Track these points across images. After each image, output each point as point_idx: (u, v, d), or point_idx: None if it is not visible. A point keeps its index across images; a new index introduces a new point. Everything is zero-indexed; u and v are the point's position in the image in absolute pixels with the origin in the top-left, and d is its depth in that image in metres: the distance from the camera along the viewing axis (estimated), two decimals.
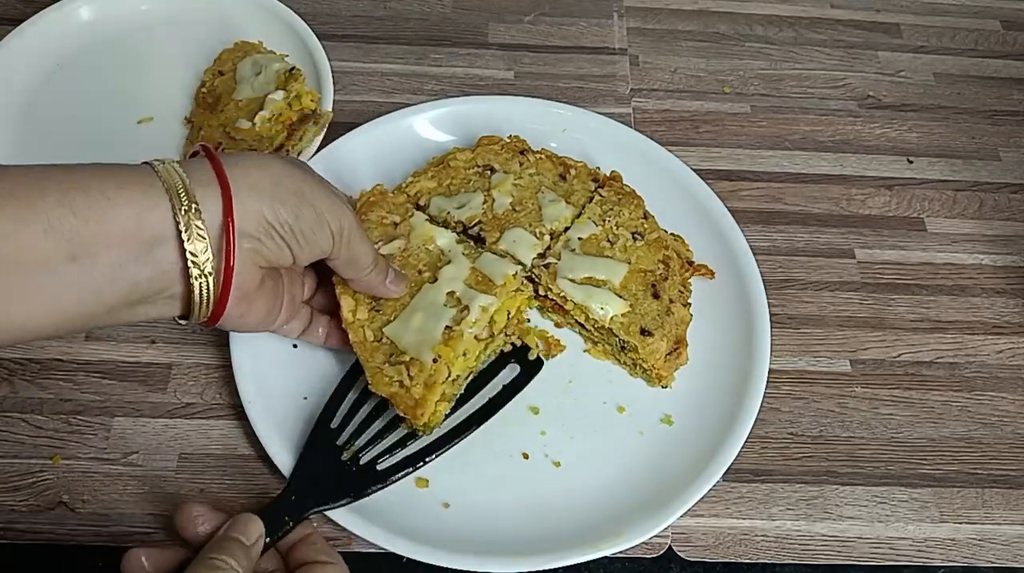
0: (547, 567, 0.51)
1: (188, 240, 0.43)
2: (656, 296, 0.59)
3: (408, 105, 0.70)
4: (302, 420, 0.56)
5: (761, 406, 0.57)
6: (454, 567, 0.51)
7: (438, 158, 0.65)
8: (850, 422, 0.61)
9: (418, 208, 0.62)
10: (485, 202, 0.62)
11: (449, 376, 0.54)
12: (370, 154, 0.67)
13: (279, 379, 0.57)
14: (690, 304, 0.61)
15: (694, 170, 0.68)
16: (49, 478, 0.55)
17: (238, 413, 0.57)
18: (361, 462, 0.53)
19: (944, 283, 0.68)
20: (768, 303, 0.62)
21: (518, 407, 0.58)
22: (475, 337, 0.55)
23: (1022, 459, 0.60)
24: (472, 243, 0.60)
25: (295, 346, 0.59)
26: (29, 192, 0.40)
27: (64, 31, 0.73)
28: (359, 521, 0.52)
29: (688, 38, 0.82)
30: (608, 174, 0.65)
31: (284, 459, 0.54)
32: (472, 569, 0.51)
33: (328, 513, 0.51)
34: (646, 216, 0.63)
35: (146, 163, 0.44)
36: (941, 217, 0.72)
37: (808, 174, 0.73)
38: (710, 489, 0.54)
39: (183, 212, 0.43)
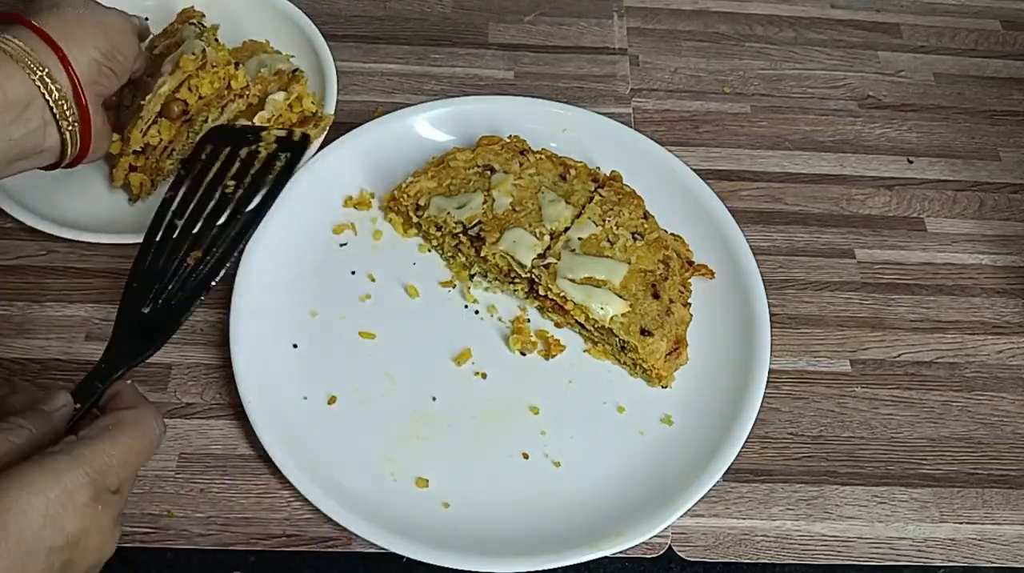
0: (547, 567, 0.51)
1: (50, 97, 0.53)
2: (656, 296, 0.59)
3: (408, 105, 0.69)
4: (302, 420, 0.56)
5: (761, 406, 0.57)
6: (454, 567, 0.51)
7: (438, 158, 0.65)
8: (850, 422, 0.61)
9: (417, 208, 0.62)
10: (485, 202, 0.62)
11: (142, 150, 0.62)
12: (370, 154, 0.67)
13: (279, 379, 0.57)
14: (690, 304, 0.61)
15: (694, 170, 0.68)
16: None
17: (238, 413, 0.57)
18: (159, 307, 0.52)
19: (944, 283, 0.68)
20: (768, 303, 0.62)
21: (518, 407, 0.58)
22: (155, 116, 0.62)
23: (1022, 459, 0.60)
24: None
25: (295, 346, 0.59)
26: None
27: None
28: (359, 521, 0.52)
29: (688, 38, 0.82)
30: (608, 174, 0.65)
31: (284, 459, 0.54)
32: (472, 569, 0.51)
33: (316, 504, 0.52)
34: (646, 216, 0.63)
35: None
36: (941, 217, 0.72)
37: (808, 174, 0.73)
38: (710, 489, 0.54)
39: (39, 78, 0.53)
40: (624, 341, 0.58)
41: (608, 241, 0.61)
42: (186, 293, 0.53)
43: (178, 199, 0.57)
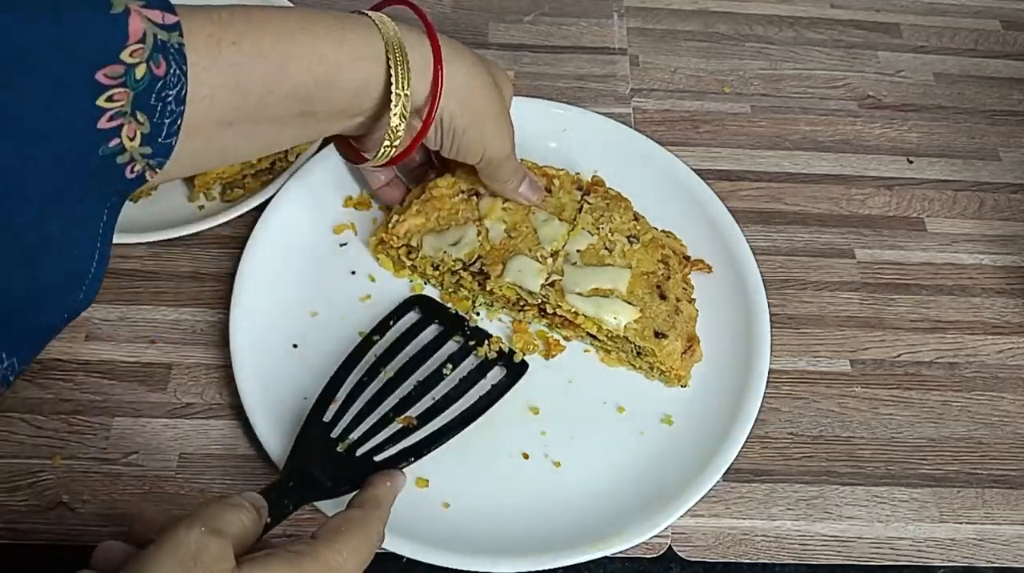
0: (547, 567, 0.51)
1: (395, 108, 0.51)
2: (663, 297, 0.59)
3: None
4: (302, 420, 0.56)
5: (761, 406, 0.57)
6: (454, 567, 0.51)
7: (418, 189, 0.63)
8: (850, 422, 0.61)
9: (409, 250, 0.61)
10: (479, 234, 0.61)
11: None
12: None
13: (279, 379, 0.57)
14: (695, 299, 0.61)
15: (694, 170, 0.68)
16: (49, 478, 0.55)
17: (238, 413, 0.57)
18: (357, 454, 0.52)
19: (944, 283, 0.68)
20: (768, 303, 0.62)
21: (518, 407, 0.58)
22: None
23: (1022, 459, 0.60)
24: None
25: (295, 346, 0.59)
26: (280, 54, 0.47)
27: None
28: None
29: (688, 38, 0.82)
30: (591, 179, 0.64)
31: (284, 459, 0.53)
32: (472, 569, 0.51)
33: (325, 511, 0.52)
34: (636, 218, 0.63)
35: (376, 28, 0.51)
36: (941, 217, 0.72)
37: (808, 174, 0.73)
38: (710, 489, 0.54)
39: (397, 90, 0.50)
40: (640, 347, 0.58)
41: (606, 248, 0.61)
42: (388, 448, 0.53)
43: (383, 347, 0.58)
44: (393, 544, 0.51)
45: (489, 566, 0.51)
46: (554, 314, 0.59)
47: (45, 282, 0.43)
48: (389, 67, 0.50)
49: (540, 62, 0.78)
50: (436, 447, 0.54)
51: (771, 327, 0.61)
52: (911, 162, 0.75)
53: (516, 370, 0.58)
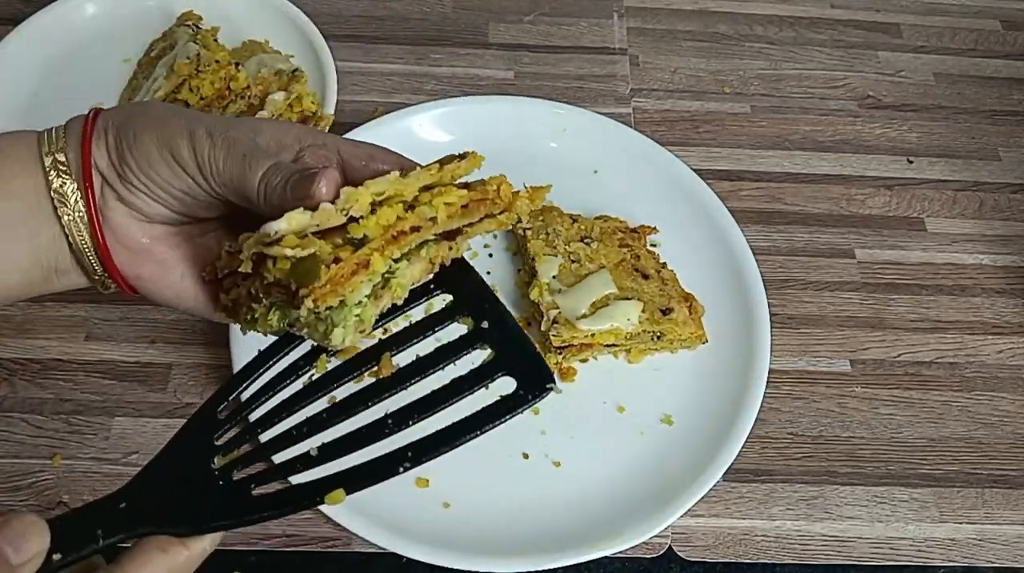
0: (547, 567, 0.51)
1: (52, 175, 0.40)
2: (646, 276, 0.60)
3: (408, 105, 0.69)
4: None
5: (761, 406, 0.57)
6: (454, 567, 0.51)
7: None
8: (850, 422, 0.61)
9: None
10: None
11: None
12: None
13: None
14: (665, 263, 0.62)
15: (694, 170, 0.68)
16: (49, 478, 0.55)
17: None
18: (234, 477, 0.35)
19: (944, 283, 0.68)
20: (768, 303, 0.62)
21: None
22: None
23: (1022, 459, 0.60)
24: None
25: None
26: None
27: (70, 26, 0.73)
28: (359, 521, 0.52)
29: (688, 38, 0.82)
30: (513, 195, 0.54)
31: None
32: (472, 569, 0.51)
33: (324, 511, 0.51)
34: (573, 218, 0.63)
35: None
36: (941, 217, 0.72)
37: (808, 174, 0.73)
38: (710, 489, 0.54)
39: (47, 152, 0.40)
40: (658, 331, 0.58)
41: (573, 262, 0.61)
42: (283, 479, 0.35)
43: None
44: (393, 544, 0.51)
45: (489, 566, 0.51)
46: (570, 345, 0.58)
47: None
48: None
49: (540, 62, 0.78)
50: (352, 487, 0.34)
51: (771, 327, 0.61)
52: (911, 162, 0.75)
53: (532, 385, 0.37)
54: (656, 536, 0.54)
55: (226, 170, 0.39)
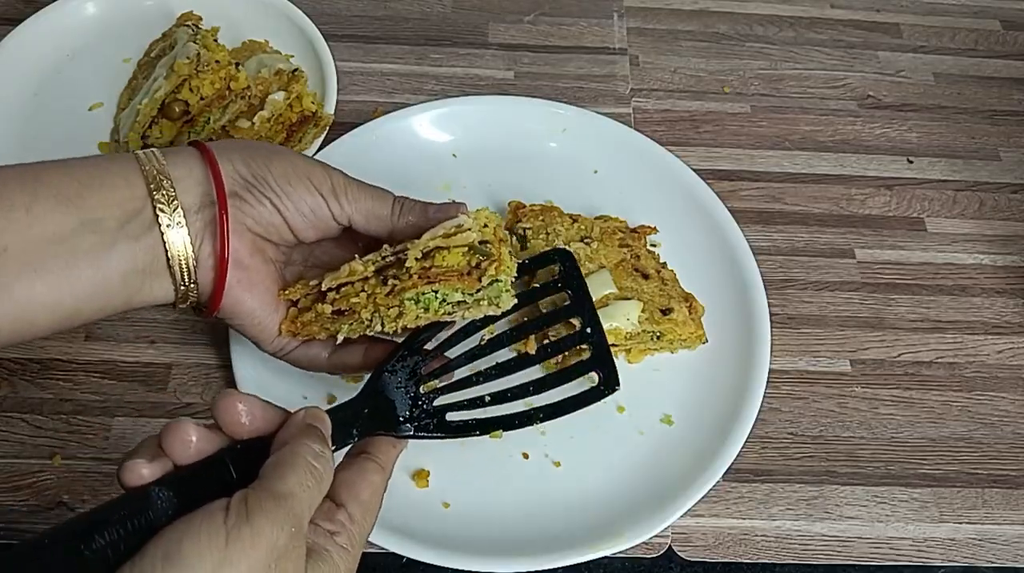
0: (547, 567, 0.51)
1: (152, 182, 0.44)
2: (646, 276, 0.60)
3: (408, 105, 0.69)
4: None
5: (761, 406, 0.57)
6: (454, 567, 0.51)
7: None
8: (850, 422, 0.61)
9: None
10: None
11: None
12: (370, 154, 0.67)
13: (279, 379, 0.57)
14: (665, 262, 0.62)
15: (694, 170, 0.68)
16: (49, 478, 0.55)
17: None
18: (435, 403, 0.48)
19: (944, 283, 0.68)
20: (768, 303, 0.62)
21: (518, 407, 0.58)
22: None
23: (1022, 459, 0.60)
24: None
25: None
26: (25, 194, 0.41)
27: (70, 25, 0.73)
28: None
29: (688, 38, 0.82)
30: (510, 205, 0.60)
31: None
32: (472, 569, 0.51)
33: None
34: (573, 218, 0.63)
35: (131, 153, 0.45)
36: (941, 217, 0.72)
37: (808, 174, 0.73)
38: (710, 489, 0.54)
39: (155, 183, 0.44)
40: (658, 331, 0.58)
41: None
42: (466, 410, 0.49)
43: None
44: (393, 544, 0.51)
45: (489, 566, 0.51)
46: None
47: None
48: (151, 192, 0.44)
49: (540, 62, 0.78)
50: (514, 428, 0.50)
51: (771, 327, 0.61)
52: (911, 162, 0.75)
53: (607, 383, 0.52)
54: (656, 536, 0.54)
55: (362, 194, 0.49)
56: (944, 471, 0.59)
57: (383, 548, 0.51)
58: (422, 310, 0.48)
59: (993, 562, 0.56)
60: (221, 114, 0.64)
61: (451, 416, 0.48)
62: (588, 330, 0.53)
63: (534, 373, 0.52)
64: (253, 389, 0.56)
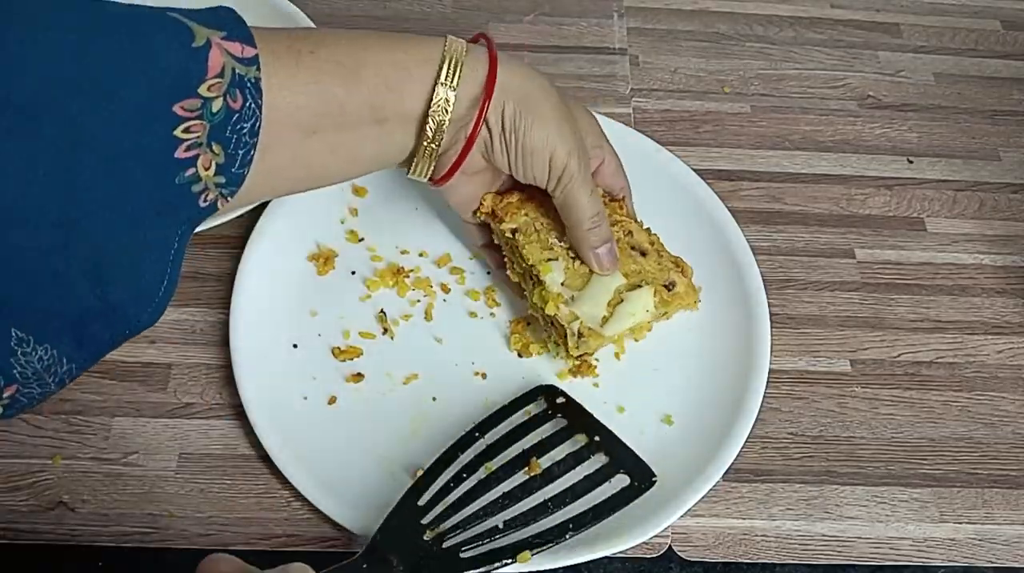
0: (547, 567, 0.51)
1: (436, 101, 0.50)
2: (643, 253, 0.59)
3: None
4: (302, 420, 0.56)
5: (761, 406, 0.57)
6: None
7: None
8: (850, 422, 0.61)
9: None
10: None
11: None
12: None
13: (279, 379, 0.57)
14: (649, 228, 0.61)
15: (694, 170, 0.68)
16: (49, 478, 0.55)
17: (238, 413, 0.57)
18: (444, 546, 0.49)
19: (944, 283, 0.68)
20: (768, 303, 0.62)
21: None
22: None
23: (1022, 459, 0.60)
24: None
25: (295, 346, 0.59)
26: (354, 61, 0.48)
27: None
28: (359, 521, 0.52)
29: (688, 38, 0.82)
30: (483, 204, 0.59)
31: (285, 459, 0.54)
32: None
33: (316, 504, 0.52)
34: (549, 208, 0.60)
35: (442, 41, 0.51)
36: (941, 217, 0.72)
37: (808, 174, 0.73)
38: (710, 489, 0.54)
39: (447, 76, 0.50)
40: (666, 310, 0.58)
41: (572, 258, 0.58)
42: (481, 545, 0.49)
43: (496, 436, 0.54)
44: None
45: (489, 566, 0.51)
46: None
47: (115, 300, 0.44)
48: (441, 66, 0.50)
49: (540, 62, 0.78)
50: (539, 550, 0.50)
51: (771, 327, 0.61)
52: (911, 162, 0.75)
53: (641, 479, 0.53)
54: (656, 536, 0.54)
55: (581, 193, 0.55)
56: (944, 471, 0.59)
57: None
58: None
59: (993, 562, 0.56)
60: None
61: (468, 552, 0.49)
62: (597, 438, 0.54)
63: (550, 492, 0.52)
64: (253, 389, 0.56)
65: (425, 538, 0.49)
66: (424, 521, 0.49)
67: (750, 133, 0.75)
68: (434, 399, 0.58)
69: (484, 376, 0.59)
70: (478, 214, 0.59)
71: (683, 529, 0.56)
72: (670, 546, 0.55)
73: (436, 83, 0.49)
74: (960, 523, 0.57)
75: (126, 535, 0.53)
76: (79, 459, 0.55)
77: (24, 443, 0.56)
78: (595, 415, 0.57)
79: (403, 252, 0.64)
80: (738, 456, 0.55)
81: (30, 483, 0.54)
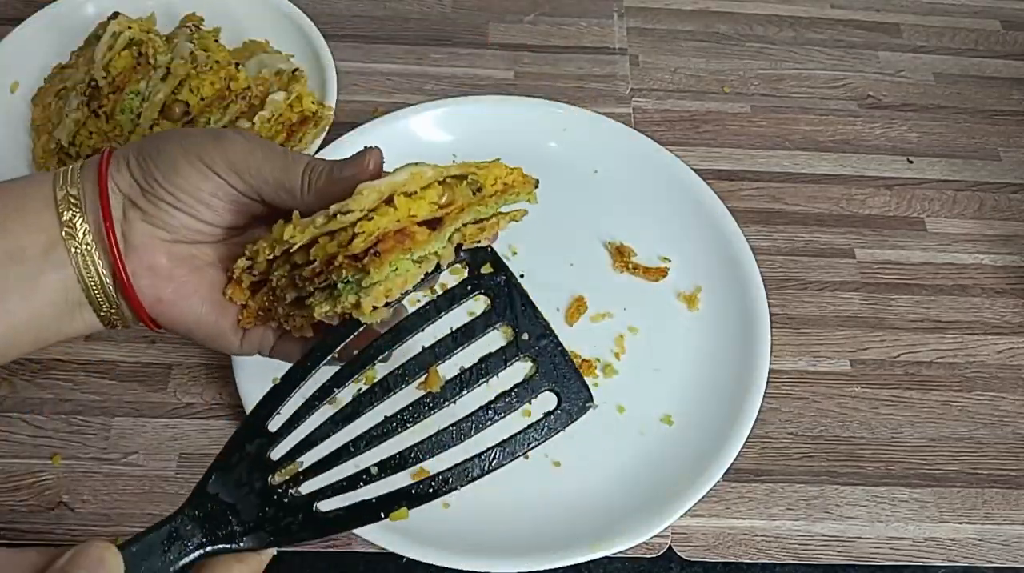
0: (547, 567, 0.51)
1: (63, 208, 0.40)
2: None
3: (408, 105, 0.69)
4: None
5: (761, 406, 0.57)
6: (454, 567, 0.51)
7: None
8: (850, 422, 0.61)
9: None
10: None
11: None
12: None
13: None
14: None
15: (694, 170, 0.68)
16: (49, 478, 0.55)
17: (238, 413, 0.57)
18: (295, 494, 0.36)
19: (944, 283, 0.68)
20: (768, 303, 0.62)
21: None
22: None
23: (1022, 459, 0.60)
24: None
25: None
26: None
27: (70, 26, 0.72)
28: None
29: (688, 38, 0.82)
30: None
31: None
32: (472, 569, 0.51)
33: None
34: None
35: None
36: (941, 217, 0.72)
37: (808, 174, 0.73)
38: (710, 489, 0.54)
39: (60, 187, 0.41)
40: (472, 176, 0.41)
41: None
42: (346, 494, 0.36)
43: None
44: (393, 544, 0.51)
45: (489, 566, 0.51)
46: (384, 237, 0.39)
47: None
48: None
49: (540, 62, 0.78)
50: (404, 504, 0.36)
51: (771, 327, 0.61)
52: (911, 162, 0.75)
53: (572, 401, 0.38)
54: (656, 536, 0.54)
55: (267, 164, 0.41)
56: (944, 471, 0.59)
57: (383, 548, 0.51)
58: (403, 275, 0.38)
59: (993, 562, 0.56)
60: (221, 115, 0.64)
61: (324, 505, 0.36)
62: (526, 336, 0.39)
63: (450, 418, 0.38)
64: (253, 389, 0.56)
65: (272, 481, 0.36)
66: (274, 456, 0.36)
67: (750, 133, 0.75)
68: None
69: None
70: (243, 314, 0.44)
71: (683, 529, 0.56)
72: (670, 546, 0.55)
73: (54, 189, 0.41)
74: (960, 523, 0.57)
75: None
76: (79, 459, 0.55)
77: (24, 443, 0.56)
78: (595, 415, 0.56)
79: None
80: (738, 456, 0.55)
81: (30, 483, 0.54)
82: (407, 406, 0.37)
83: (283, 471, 0.36)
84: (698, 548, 0.55)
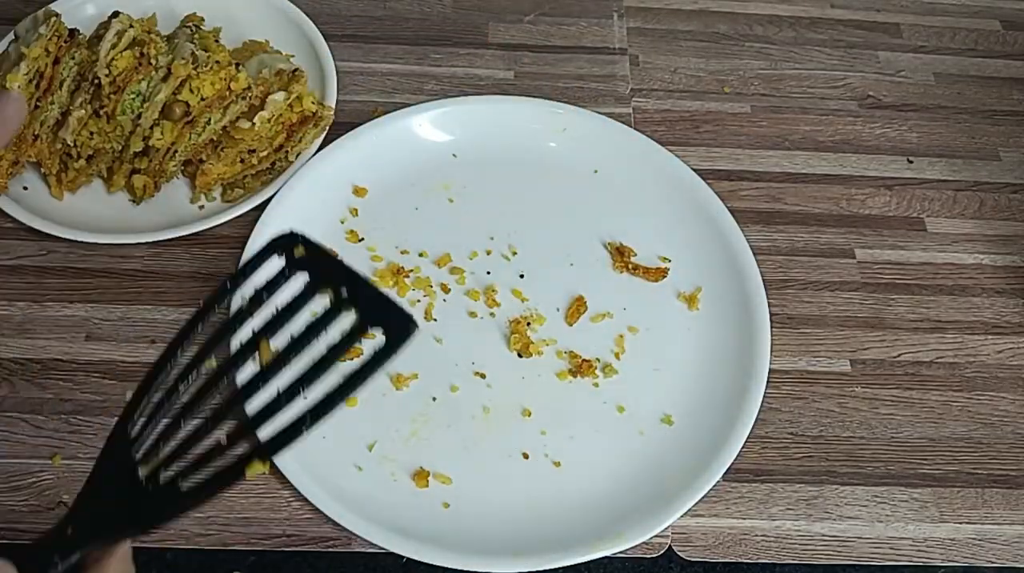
0: (547, 567, 0.51)
1: None
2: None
3: (408, 105, 0.70)
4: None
5: (761, 406, 0.57)
6: (454, 567, 0.51)
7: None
8: (850, 422, 0.61)
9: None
10: None
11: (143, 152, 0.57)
12: (370, 154, 0.67)
13: None
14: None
15: (694, 170, 0.68)
16: (49, 478, 0.55)
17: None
18: (161, 481, 0.38)
19: (944, 283, 0.68)
20: (768, 303, 0.62)
21: (517, 407, 0.58)
22: None
23: (1022, 459, 0.60)
24: None
25: None
26: None
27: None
28: (359, 521, 0.52)
29: (688, 38, 0.82)
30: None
31: (285, 460, 0.54)
32: (472, 569, 0.51)
33: (316, 504, 0.51)
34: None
35: None
36: (941, 217, 0.72)
37: (808, 174, 0.73)
38: (710, 489, 0.54)
39: None
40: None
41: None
42: (200, 470, 0.38)
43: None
44: (393, 544, 0.51)
45: (489, 566, 0.51)
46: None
47: None
48: None
49: (540, 62, 0.78)
50: (266, 456, 0.37)
51: (771, 327, 0.61)
52: (911, 162, 0.75)
53: (398, 329, 0.38)
54: (656, 536, 0.54)
55: None
56: (944, 471, 0.59)
57: (383, 548, 0.51)
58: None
59: (993, 562, 0.56)
60: (222, 115, 0.64)
61: (187, 482, 0.38)
62: (344, 292, 0.40)
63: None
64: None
65: (140, 475, 0.38)
66: (137, 454, 0.39)
67: (750, 133, 0.75)
68: (434, 399, 0.58)
69: (484, 376, 0.59)
70: None
71: (683, 529, 0.56)
72: (670, 546, 0.55)
73: None
74: (960, 523, 0.57)
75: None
76: (79, 459, 0.55)
77: (24, 443, 0.56)
78: (595, 415, 0.57)
79: (403, 252, 0.64)
80: (738, 456, 0.55)
81: (30, 483, 0.54)
82: (248, 382, 0.38)
83: (146, 465, 0.39)
84: (698, 548, 0.55)
